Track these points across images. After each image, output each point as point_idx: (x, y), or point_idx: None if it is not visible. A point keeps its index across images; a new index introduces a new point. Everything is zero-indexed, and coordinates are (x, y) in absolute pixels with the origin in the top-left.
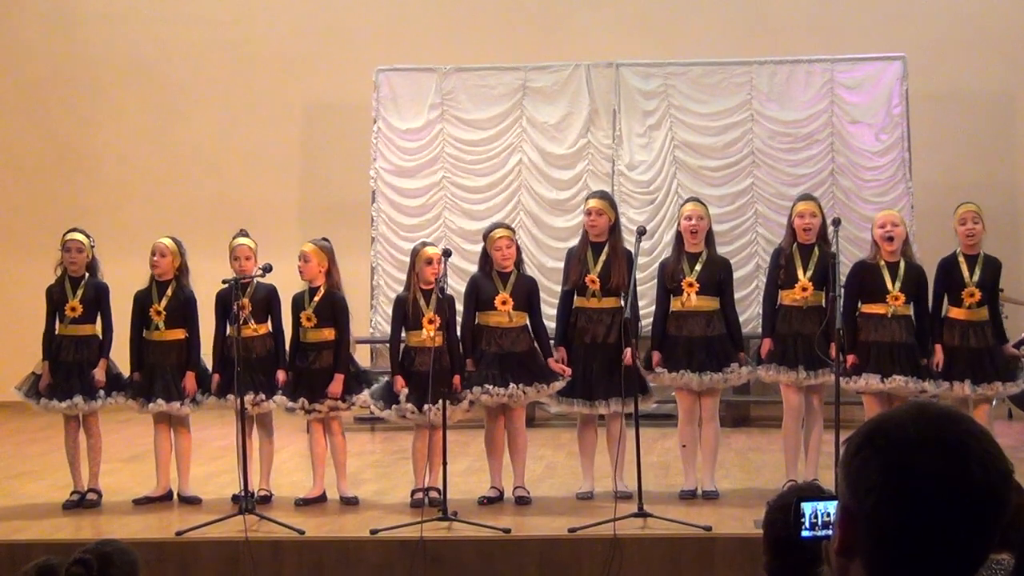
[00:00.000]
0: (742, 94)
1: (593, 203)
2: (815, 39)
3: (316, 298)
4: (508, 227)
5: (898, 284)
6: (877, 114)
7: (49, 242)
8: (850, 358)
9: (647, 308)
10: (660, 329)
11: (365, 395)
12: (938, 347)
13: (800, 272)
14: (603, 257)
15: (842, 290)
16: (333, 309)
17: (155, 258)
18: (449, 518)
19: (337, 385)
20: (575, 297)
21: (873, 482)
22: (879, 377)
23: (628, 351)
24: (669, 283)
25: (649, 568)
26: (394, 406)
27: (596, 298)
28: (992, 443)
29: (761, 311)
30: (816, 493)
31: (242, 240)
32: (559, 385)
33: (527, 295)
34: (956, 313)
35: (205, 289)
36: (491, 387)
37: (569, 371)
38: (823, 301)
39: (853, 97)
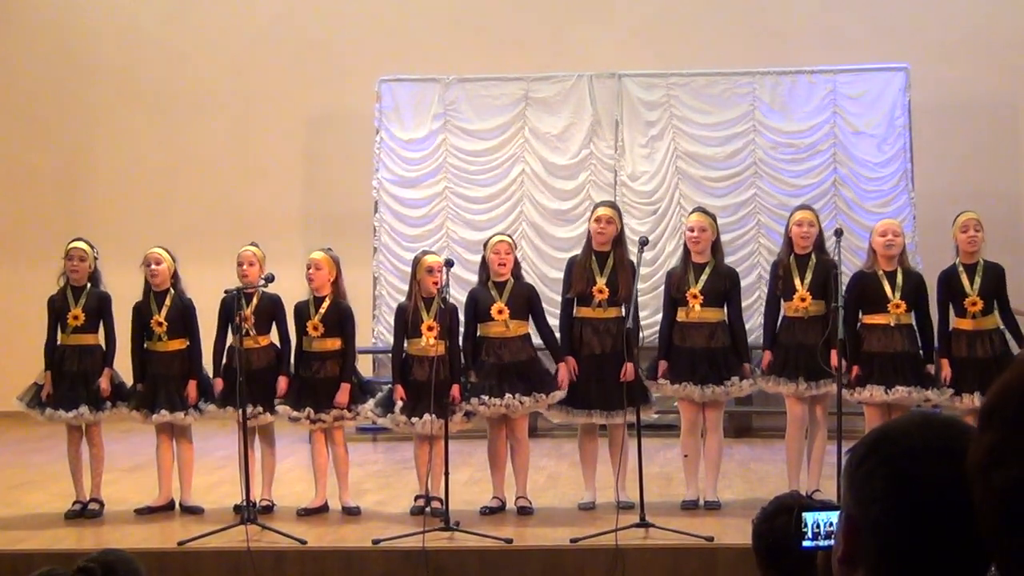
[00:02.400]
0: (744, 105)
1: (604, 211)
2: (818, 50)
3: (323, 308)
4: (508, 236)
5: (898, 292)
6: (880, 125)
7: (51, 253)
8: (854, 369)
9: (648, 319)
10: (667, 339)
11: (369, 404)
12: (944, 362)
13: (798, 282)
14: (609, 267)
15: (843, 300)
16: (340, 319)
17: (152, 268)
18: (451, 528)
19: (344, 395)
20: (576, 307)
21: (877, 491)
22: (883, 388)
23: (629, 366)
24: (675, 293)
25: None
26: (389, 415)
27: (601, 308)
28: None
29: (763, 322)
30: (798, 501)
31: (247, 247)
32: (559, 395)
33: (526, 303)
34: (962, 324)
35: (207, 299)
36: (488, 398)
37: (566, 384)
38: (824, 311)
39: (856, 108)
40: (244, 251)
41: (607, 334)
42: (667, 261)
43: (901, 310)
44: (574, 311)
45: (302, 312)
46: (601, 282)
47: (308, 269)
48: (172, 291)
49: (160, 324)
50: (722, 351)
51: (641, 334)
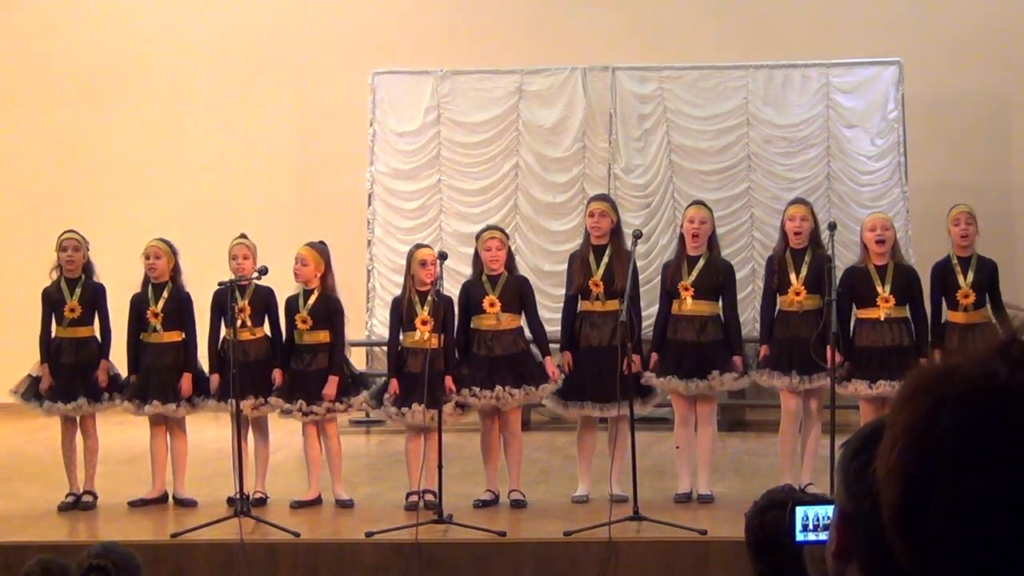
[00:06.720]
0: (738, 98)
1: (596, 205)
2: (811, 44)
3: (311, 300)
4: (499, 229)
5: (888, 287)
6: (873, 118)
7: (44, 244)
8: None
9: (648, 311)
10: (660, 332)
11: (363, 396)
12: (937, 352)
13: (793, 276)
14: (605, 260)
15: (837, 294)
16: (328, 311)
17: (150, 261)
18: (444, 521)
19: (332, 387)
20: (580, 301)
21: (870, 485)
22: (867, 383)
23: (636, 358)
24: (668, 286)
25: (644, 572)
26: (381, 407)
27: (600, 302)
28: None
29: (759, 316)
30: (791, 496)
31: (240, 240)
32: (550, 388)
33: (519, 296)
34: (954, 317)
35: (201, 291)
36: (478, 390)
37: (559, 375)
38: (819, 305)
39: (849, 102)
40: (236, 244)
41: (604, 327)
42: (660, 255)
43: (891, 304)
44: (578, 306)
45: (293, 305)
46: (597, 275)
47: (295, 264)
48: (171, 284)
49: (156, 315)
50: (711, 345)
51: (639, 327)
